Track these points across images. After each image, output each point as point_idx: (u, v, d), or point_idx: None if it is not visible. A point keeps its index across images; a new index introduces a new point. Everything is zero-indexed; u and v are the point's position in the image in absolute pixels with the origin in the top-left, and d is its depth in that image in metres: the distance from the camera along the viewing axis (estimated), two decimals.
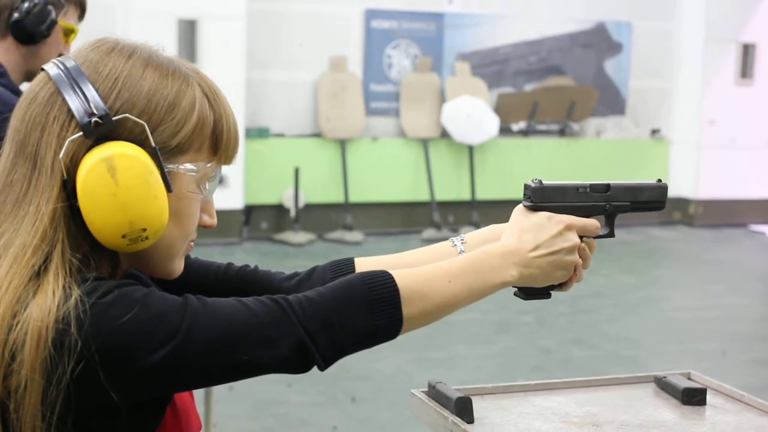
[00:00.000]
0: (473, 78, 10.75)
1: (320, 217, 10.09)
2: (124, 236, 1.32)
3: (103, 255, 1.36)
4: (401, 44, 10.57)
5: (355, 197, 10.20)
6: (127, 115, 1.33)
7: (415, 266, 1.53)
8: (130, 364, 1.27)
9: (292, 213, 9.85)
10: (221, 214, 10.87)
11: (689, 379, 2.02)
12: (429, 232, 10.05)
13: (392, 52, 10.55)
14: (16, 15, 2.61)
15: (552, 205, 1.60)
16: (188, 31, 9.20)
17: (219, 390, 4.86)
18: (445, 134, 10.56)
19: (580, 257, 1.59)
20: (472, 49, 10.83)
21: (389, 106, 10.58)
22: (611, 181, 1.66)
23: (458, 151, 10.64)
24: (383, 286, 1.42)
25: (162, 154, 1.35)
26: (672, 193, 11.58)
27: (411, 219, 10.49)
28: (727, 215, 11.54)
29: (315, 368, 1.39)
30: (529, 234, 1.55)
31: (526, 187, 1.60)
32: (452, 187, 10.61)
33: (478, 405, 1.80)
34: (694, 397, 1.89)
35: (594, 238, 1.63)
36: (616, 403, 1.89)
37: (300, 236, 9.70)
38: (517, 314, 7.14)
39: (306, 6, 10.13)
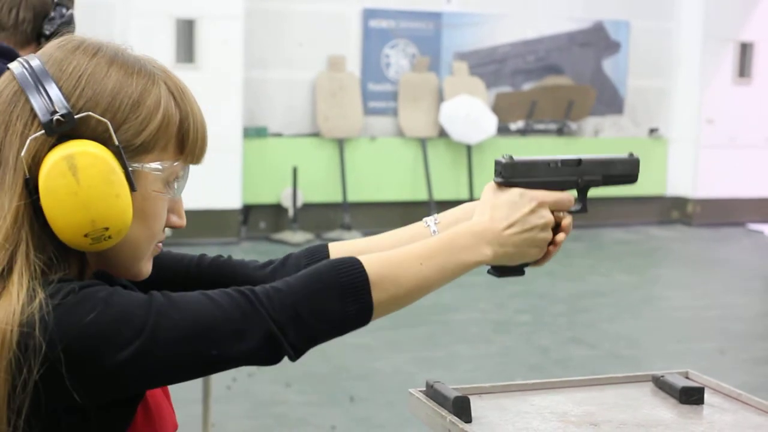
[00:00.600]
0: (471, 77, 10.75)
1: (318, 217, 10.09)
2: (86, 235, 1.31)
3: (70, 255, 1.34)
4: (399, 44, 10.57)
5: (353, 197, 10.20)
6: (89, 113, 1.32)
7: (389, 248, 1.52)
8: (96, 364, 1.26)
9: (291, 212, 9.85)
10: (219, 213, 10.90)
11: (687, 378, 2.01)
12: None
13: (390, 51, 10.55)
14: (47, 28, 2.61)
15: (523, 180, 1.57)
16: (186, 30, 9.20)
17: (217, 389, 4.87)
18: (443, 133, 10.56)
19: (554, 232, 1.57)
20: (470, 48, 10.83)
21: (387, 106, 10.58)
22: (582, 156, 1.63)
23: (456, 150, 10.64)
24: (352, 272, 1.40)
25: (126, 153, 1.34)
26: (670, 192, 11.59)
27: (409, 218, 10.37)
28: (726, 214, 11.55)
29: (287, 360, 1.38)
30: (502, 211, 1.53)
31: (497, 163, 1.58)
32: (450, 187, 10.62)
33: (476, 404, 1.80)
34: (691, 396, 1.89)
35: (568, 212, 1.60)
36: (614, 402, 1.89)
37: (298, 236, 9.69)
38: (515, 314, 7.15)
39: (304, 5, 10.13)
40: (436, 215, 1.71)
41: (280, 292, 1.37)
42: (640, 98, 11.64)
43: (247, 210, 9.86)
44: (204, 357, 1.32)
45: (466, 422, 1.72)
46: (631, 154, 1.67)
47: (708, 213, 11.51)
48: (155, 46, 8.81)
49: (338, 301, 1.39)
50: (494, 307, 7.40)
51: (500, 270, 1.59)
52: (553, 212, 1.56)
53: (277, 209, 10.00)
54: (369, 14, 10.40)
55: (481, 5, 10.81)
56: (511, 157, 1.58)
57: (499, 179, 1.57)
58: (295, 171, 9.76)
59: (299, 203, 9.88)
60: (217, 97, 8.85)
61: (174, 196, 1.43)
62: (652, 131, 11.70)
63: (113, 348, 1.26)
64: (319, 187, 10.10)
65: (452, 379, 1.93)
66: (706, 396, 1.90)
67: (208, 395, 3.89)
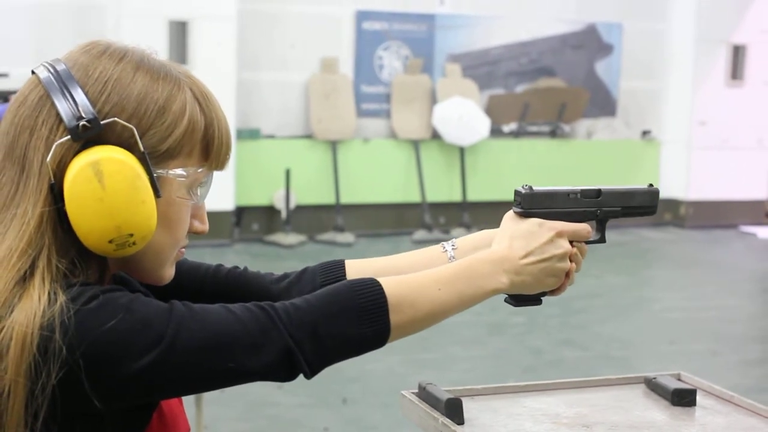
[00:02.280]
0: (464, 79, 10.75)
1: (311, 219, 10.09)
2: (111, 241, 1.31)
3: (91, 260, 1.34)
4: (392, 45, 10.57)
5: (346, 198, 10.20)
6: (115, 119, 1.32)
7: (405, 270, 1.52)
8: (114, 370, 1.26)
9: (283, 214, 9.84)
10: (212, 215, 10.88)
11: (679, 380, 2.02)
12: (420, 234, 10.05)
13: (383, 53, 10.55)
14: None
15: (543, 211, 1.58)
16: (179, 31, 9.19)
17: (209, 392, 4.86)
18: (436, 135, 10.56)
19: (571, 262, 1.58)
20: (463, 50, 10.83)
21: (380, 108, 10.58)
22: (602, 186, 1.65)
23: (449, 152, 10.64)
24: (371, 293, 1.40)
25: (151, 159, 1.34)
26: (663, 194, 11.51)
27: (402, 220, 10.49)
28: (718, 216, 11.56)
29: (301, 376, 1.39)
30: (520, 241, 1.54)
31: (517, 193, 1.59)
32: (443, 189, 10.62)
33: (469, 406, 1.80)
34: (684, 398, 1.89)
35: (585, 243, 1.62)
36: (606, 404, 1.89)
37: (291, 238, 9.69)
38: (508, 316, 7.15)
39: (297, 7, 10.12)
40: (453, 240, 1.73)
41: (300, 310, 1.37)
42: (633, 100, 11.65)
43: (240, 212, 9.85)
44: (221, 369, 1.32)
45: (458, 424, 1.72)
46: (650, 185, 1.68)
47: (700, 215, 11.53)
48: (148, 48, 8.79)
49: (356, 322, 1.39)
50: (487, 309, 7.40)
51: (517, 299, 1.60)
52: (571, 243, 1.58)
53: (270, 211, 9.99)
54: (362, 16, 10.40)
55: (474, 7, 10.82)
56: (531, 188, 1.59)
57: (519, 209, 1.58)
58: (288, 173, 9.75)
59: (292, 205, 9.87)
60: None
61: (197, 202, 1.43)
62: (645, 133, 11.71)
63: (132, 355, 1.26)
64: (312, 189, 10.09)
65: (445, 381, 1.93)
66: (698, 398, 1.91)
67: (201, 397, 3.88)
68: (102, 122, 1.31)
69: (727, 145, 11.51)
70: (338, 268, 1.69)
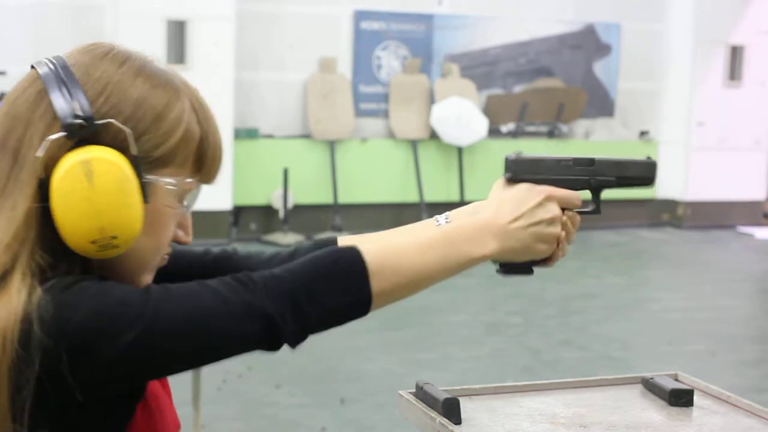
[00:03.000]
0: (462, 79, 10.75)
1: (309, 218, 10.09)
2: (93, 242, 1.30)
3: (74, 260, 1.34)
4: (390, 45, 10.57)
5: (344, 198, 10.20)
6: (111, 120, 1.32)
7: None
8: (95, 354, 1.26)
9: (281, 214, 9.84)
10: (210, 214, 10.90)
11: (676, 380, 2.02)
12: None
13: (381, 53, 10.55)
14: None
15: (532, 177, 1.54)
16: (177, 31, 9.18)
17: (207, 391, 4.86)
18: (434, 135, 10.56)
19: (562, 230, 1.54)
20: (461, 50, 10.84)
21: (378, 108, 10.58)
22: (596, 156, 1.61)
23: (447, 152, 10.65)
24: (350, 260, 1.39)
25: (143, 164, 1.34)
26: (660, 194, 11.60)
27: (400, 220, 10.45)
28: (716, 217, 11.57)
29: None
30: (508, 205, 1.51)
31: (506, 159, 1.56)
32: (441, 189, 10.62)
33: (466, 406, 1.80)
34: (681, 399, 1.89)
35: (579, 213, 1.58)
36: (603, 404, 1.89)
37: (289, 237, 9.69)
38: (506, 315, 7.15)
39: (295, 7, 10.12)
40: (447, 213, 1.68)
41: (277, 278, 1.36)
42: (631, 101, 11.66)
43: (238, 211, 9.86)
44: (203, 345, 1.32)
45: (455, 424, 1.72)
46: (648, 158, 1.64)
47: (698, 215, 11.54)
48: (146, 48, 8.73)
49: (335, 290, 1.38)
50: (485, 309, 7.41)
51: (507, 267, 1.56)
52: (562, 210, 1.54)
53: (268, 211, 9.99)
54: (360, 16, 10.41)
55: (473, 7, 10.82)
56: (520, 153, 1.56)
57: (508, 175, 1.55)
58: (286, 172, 9.75)
59: (290, 205, 9.87)
60: (208, 98, 8.73)
61: (184, 212, 1.43)
62: (643, 134, 11.71)
63: (111, 337, 1.26)
64: (310, 188, 10.10)
65: (443, 381, 1.93)
66: (695, 398, 1.91)
67: (198, 396, 3.88)
68: (97, 122, 1.31)
69: (725, 146, 11.52)
70: (330, 244, 1.67)
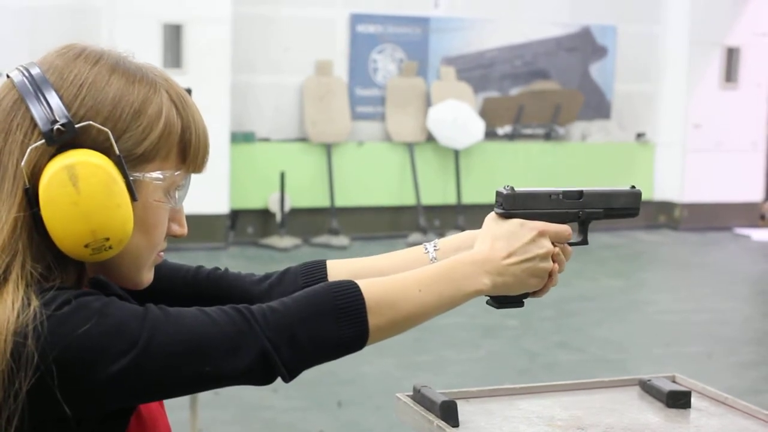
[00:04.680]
0: (459, 82, 10.76)
1: (306, 222, 10.09)
2: (86, 246, 1.30)
3: (68, 265, 1.33)
4: (387, 48, 10.57)
5: (341, 201, 10.20)
6: (90, 122, 1.31)
7: (387, 271, 1.51)
8: (88, 375, 1.25)
9: (278, 217, 9.84)
10: (206, 218, 10.86)
11: (674, 382, 2.02)
12: (415, 237, 10.04)
13: (378, 56, 10.55)
14: None
15: (524, 212, 1.57)
16: (173, 34, 9.18)
17: (204, 395, 4.85)
18: (430, 138, 10.56)
19: (554, 262, 1.57)
20: (457, 53, 10.84)
21: (375, 111, 10.58)
22: (584, 188, 1.64)
23: (444, 155, 10.65)
24: (349, 295, 1.39)
25: (127, 162, 1.33)
26: (657, 196, 11.61)
27: (397, 223, 10.49)
28: (712, 218, 11.57)
29: (281, 380, 1.38)
30: (502, 241, 1.52)
31: (498, 194, 1.58)
32: (438, 192, 10.62)
33: (463, 409, 1.79)
34: (678, 400, 1.89)
35: (568, 245, 1.61)
36: (601, 406, 1.89)
37: (286, 241, 9.68)
38: (503, 318, 7.15)
39: (292, 10, 10.12)
40: (435, 241, 1.71)
41: (277, 313, 1.35)
42: (627, 103, 11.67)
43: (235, 215, 9.85)
44: (197, 373, 1.31)
45: (453, 427, 1.72)
46: (633, 187, 1.67)
47: (695, 217, 11.54)
48: (142, 51, 8.70)
49: (334, 325, 1.38)
50: (482, 312, 7.38)
51: (499, 300, 1.59)
52: (553, 244, 1.57)
53: (265, 214, 9.98)
54: (356, 19, 10.40)
55: (469, 10, 10.82)
56: (512, 189, 1.58)
57: (500, 210, 1.57)
58: (282, 176, 9.75)
59: (287, 208, 9.87)
60: (204, 101, 8.76)
61: (175, 205, 1.42)
62: (639, 136, 11.72)
63: (106, 359, 1.25)
64: (307, 192, 10.09)
65: (440, 384, 1.93)
66: (693, 400, 1.91)
67: (196, 400, 3.88)
68: (77, 126, 1.31)
69: (721, 148, 11.52)
70: (320, 268, 1.68)
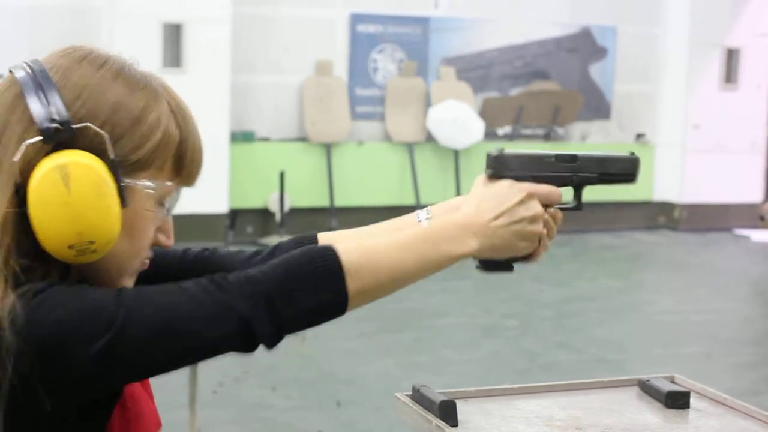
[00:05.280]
0: (459, 82, 10.76)
1: (306, 221, 10.08)
2: (71, 247, 1.29)
3: (52, 265, 1.33)
4: (387, 48, 10.57)
5: (340, 201, 10.20)
6: (88, 124, 1.31)
7: None
8: (67, 360, 1.25)
9: (278, 217, 9.84)
10: (206, 217, 10.84)
11: (673, 382, 2.02)
12: None
13: (378, 56, 10.55)
14: None
15: (514, 174, 1.52)
16: (174, 34, 9.18)
17: (203, 394, 4.86)
18: (430, 138, 10.57)
19: (544, 227, 1.52)
20: (457, 53, 10.84)
21: (375, 110, 10.58)
22: (579, 152, 1.58)
23: (444, 155, 10.65)
24: (326, 260, 1.37)
25: (121, 168, 1.33)
26: (657, 197, 11.61)
27: None
28: (712, 219, 11.57)
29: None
30: (490, 202, 1.49)
31: (488, 156, 1.54)
32: (438, 191, 10.61)
33: (462, 408, 1.79)
34: (677, 401, 1.88)
35: (561, 209, 1.56)
36: (599, 406, 1.89)
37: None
38: (502, 318, 7.15)
39: (292, 10, 10.12)
40: (429, 208, 1.66)
41: (252, 279, 1.34)
42: (627, 103, 11.67)
43: (234, 214, 9.85)
44: (177, 347, 1.30)
45: (452, 426, 1.72)
46: (631, 153, 1.61)
47: (694, 218, 11.54)
48: (142, 51, 8.79)
49: (311, 289, 1.36)
50: (481, 312, 7.40)
51: (487, 264, 1.54)
52: (544, 207, 1.52)
53: (265, 214, 9.99)
54: (356, 19, 10.41)
55: (469, 10, 10.83)
56: (502, 150, 1.54)
57: (490, 171, 1.54)
58: (282, 175, 9.75)
59: (286, 208, 9.87)
60: (204, 101, 8.83)
61: (164, 215, 1.42)
62: (639, 136, 11.72)
63: (83, 342, 1.24)
64: (307, 191, 10.09)
65: (439, 384, 1.93)
66: (692, 400, 1.90)
67: (194, 400, 3.88)
68: (74, 126, 1.30)
69: (720, 149, 11.53)
70: (311, 241, 1.66)
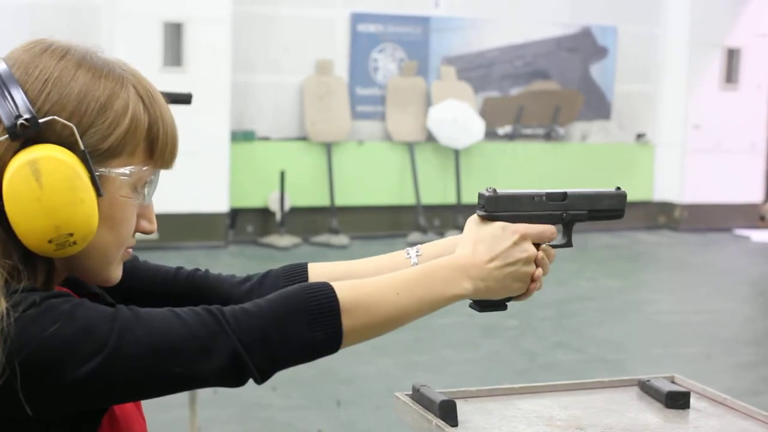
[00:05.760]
0: (459, 82, 10.76)
1: (306, 221, 10.09)
2: (50, 241, 1.29)
3: (37, 263, 1.33)
4: (387, 48, 10.57)
5: (341, 201, 10.20)
6: (54, 117, 1.30)
7: (368, 275, 1.49)
8: (56, 378, 1.24)
9: (278, 216, 9.84)
10: (206, 217, 10.83)
11: (673, 382, 2.02)
12: (414, 236, 10.05)
13: (378, 55, 10.55)
14: None
15: (507, 214, 1.55)
16: (174, 34, 9.18)
17: (203, 393, 4.85)
18: (430, 138, 10.57)
19: (537, 266, 1.55)
20: (458, 52, 10.84)
21: (375, 110, 10.58)
22: (568, 190, 1.62)
23: (444, 154, 10.65)
24: (322, 297, 1.38)
25: (92, 158, 1.32)
26: (657, 197, 11.61)
27: (397, 223, 10.49)
28: (712, 219, 11.58)
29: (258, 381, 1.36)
30: (484, 245, 1.51)
31: (480, 196, 1.56)
32: (438, 191, 10.62)
33: (462, 408, 1.79)
34: (677, 401, 1.88)
35: (552, 247, 1.59)
36: (600, 406, 1.89)
37: (285, 240, 9.68)
38: (502, 318, 7.14)
39: (292, 9, 10.12)
40: (418, 246, 1.69)
41: (249, 314, 1.34)
42: (627, 103, 11.67)
43: (235, 214, 9.85)
44: (167, 374, 1.30)
45: (452, 426, 1.72)
46: (618, 189, 1.65)
47: (694, 218, 11.54)
48: (142, 50, 8.80)
49: (306, 326, 1.36)
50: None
51: (482, 304, 1.57)
52: (537, 245, 1.55)
53: (265, 213, 9.99)
54: (357, 18, 10.41)
55: (469, 10, 10.83)
56: (494, 191, 1.56)
57: (483, 212, 1.56)
58: (282, 175, 9.75)
59: (287, 207, 9.87)
60: (204, 100, 8.83)
61: (143, 201, 1.41)
62: (639, 136, 11.72)
63: (74, 362, 1.24)
64: (307, 191, 10.09)
65: (439, 384, 1.93)
66: (692, 400, 1.90)
67: (194, 399, 3.88)
68: (41, 121, 1.30)
69: (721, 149, 11.53)
70: (300, 271, 1.67)
